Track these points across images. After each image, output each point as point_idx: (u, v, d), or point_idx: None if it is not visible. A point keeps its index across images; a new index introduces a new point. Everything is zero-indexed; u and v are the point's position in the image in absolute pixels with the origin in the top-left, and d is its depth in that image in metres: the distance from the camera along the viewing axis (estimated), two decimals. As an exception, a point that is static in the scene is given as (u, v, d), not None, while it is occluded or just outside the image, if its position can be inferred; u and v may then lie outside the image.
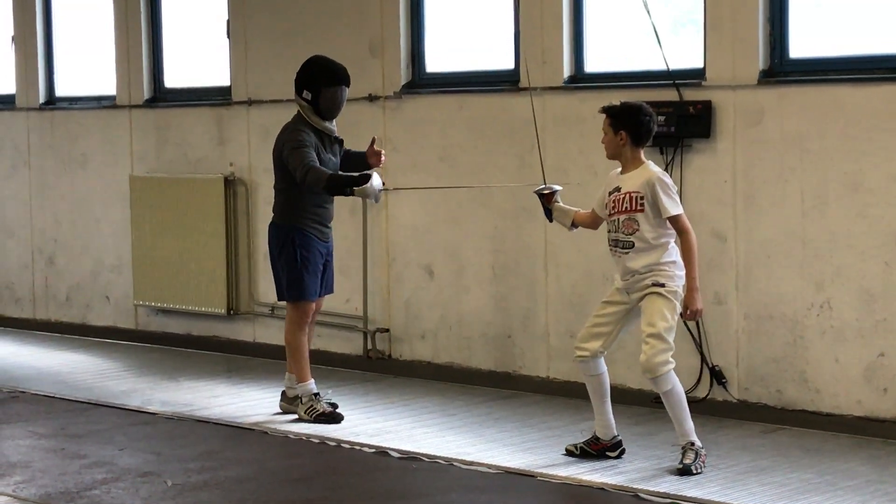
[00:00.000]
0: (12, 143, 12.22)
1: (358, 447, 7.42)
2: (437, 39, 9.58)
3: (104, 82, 11.52)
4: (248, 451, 7.45)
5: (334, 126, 8.08)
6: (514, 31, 9.00)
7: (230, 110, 10.59)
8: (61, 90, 12.00)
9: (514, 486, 6.64)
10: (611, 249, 6.92)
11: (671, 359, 6.73)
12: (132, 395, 8.91)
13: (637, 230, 6.78)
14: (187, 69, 11.12)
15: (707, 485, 6.51)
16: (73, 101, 11.85)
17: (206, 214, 10.59)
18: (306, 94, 7.98)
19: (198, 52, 11.07)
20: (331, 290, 8.24)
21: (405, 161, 9.55)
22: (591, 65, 8.78)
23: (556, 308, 8.85)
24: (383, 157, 8.29)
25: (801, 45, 7.91)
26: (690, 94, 8.15)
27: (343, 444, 7.49)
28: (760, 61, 7.94)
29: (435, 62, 9.59)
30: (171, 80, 11.17)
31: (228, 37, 10.59)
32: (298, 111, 8.04)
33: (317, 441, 7.58)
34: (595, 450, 7.04)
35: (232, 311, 10.56)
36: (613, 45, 8.78)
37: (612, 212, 6.88)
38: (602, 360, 6.98)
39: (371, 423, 7.97)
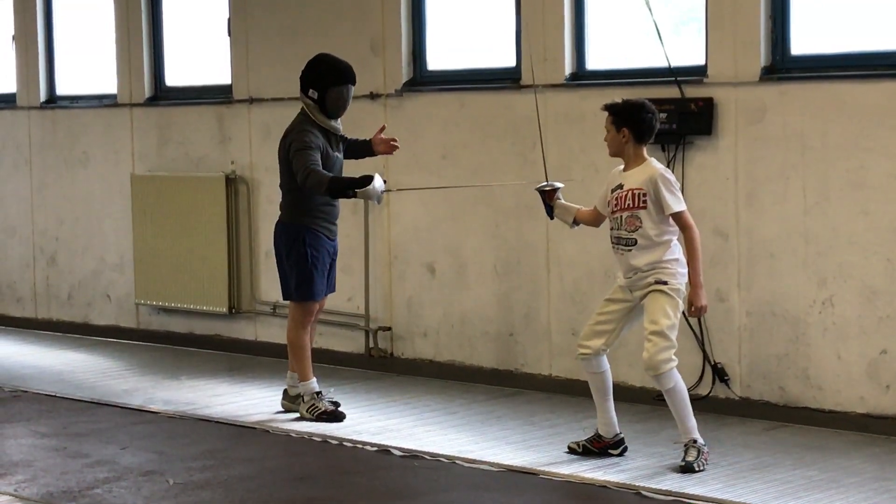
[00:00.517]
0: (13, 142, 12.22)
1: (360, 445, 7.42)
2: (439, 37, 9.58)
3: (105, 81, 11.51)
4: (250, 450, 7.44)
5: (340, 124, 8.06)
6: (516, 29, 9.00)
7: (231, 109, 10.59)
8: (62, 89, 12.00)
9: (516, 484, 6.64)
10: (613, 247, 6.92)
11: (674, 356, 6.72)
12: (134, 394, 8.90)
13: (640, 227, 6.78)
14: (188, 67, 11.12)
15: (709, 482, 6.50)
16: (75, 100, 11.85)
17: (207, 213, 10.59)
18: (312, 93, 7.94)
19: (199, 50, 11.07)
20: (333, 289, 8.23)
21: (407, 159, 9.54)
22: (593, 62, 8.77)
23: (557, 306, 8.84)
24: (395, 145, 8.22)
25: (802, 42, 7.91)
26: (692, 91, 8.14)
27: (345, 443, 7.48)
28: (762, 58, 7.93)
29: (436, 60, 9.58)
30: (173, 78, 11.17)
31: (229, 35, 10.59)
32: (303, 109, 8.00)
33: (319, 440, 7.57)
34: (597, 447, 7.04)
35: (233, 310, 10.56)
36: (615, 43, 8.77)
37: (615, 209, 6.87)
38: (604, 358, 6.98)
39: (373, 421, 7.97)
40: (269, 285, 10.33)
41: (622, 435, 7.07)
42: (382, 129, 8.27)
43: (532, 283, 8.97)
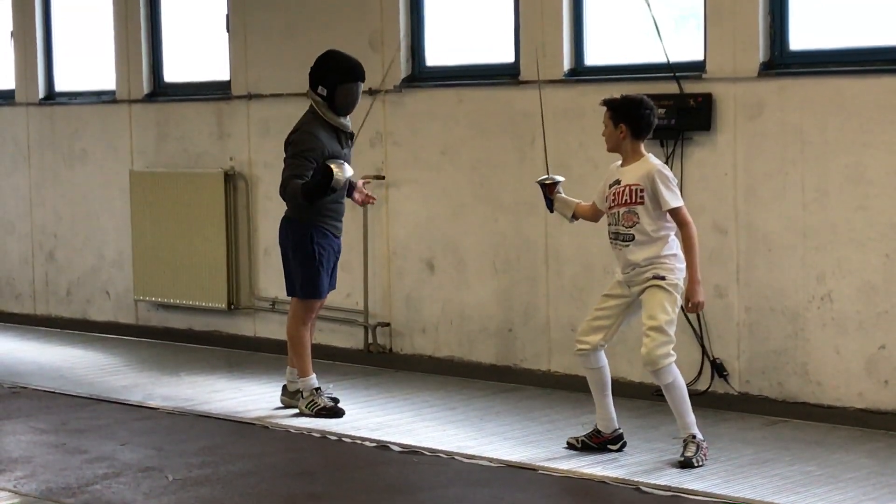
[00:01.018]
0: (12, 139, 12.21)
1: (359, 441, 7.42)
2: (437, 33, 9.57)
3: (104, 77, 11.51)
4: (250, 446, 7.44)
5: (349, 121, 8.04)
6: (514, 25, 9.00)
7: (230, 105, 10.58)
8: (61, 85, 11.99)
9: (515, 480, 6.64)
10: (611, 242, 6.92)
11: (672, 351, 6.73)
12: (133, 390, 8.91)
13: (637, 223, 6.78)
14: (187, 64, 11.12)
15: (708, 477, 6.51)
16: (73, 96, 11.84)
17: (206, 209, 10.58)
18: (321, 90, 7.91)
19: (197, 46, 11.07)
20: (334, 286, 8.23)
21: (405, 155, 9.55)
22: (592, 58, 8.77)
23: (556, 301, 8.85)
24: (371, 202, 8.36)
25: (801, 38, 7.90)
26: (691, 87, 8.14)
27: (344, 439, 7.48)
28: (761, 53, 7.93)
29: (435, 56, 9.58)
30: (171, 74, 11.17)
31: (228, 31, 10.58)
32: (312, 106, 7.97)
33: (318, 435, 7.58)
34: (596, 443, 7.04)
35: (232, 306, 10.56)
36: (614, 38, 8.77)
37: (613, 204, 6.87)
38: (602, 354, 6.98)
39: (372, 417, 7.97)
40: (268, 281, 10.34)
41: (621, 430, 7.08)
42: (366, 183, 8.34)
43: (531, 278, 8.97)
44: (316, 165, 7.78)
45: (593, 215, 7.18)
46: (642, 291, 6.80)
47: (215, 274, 10.55)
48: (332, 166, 7.68)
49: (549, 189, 7.24)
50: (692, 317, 8.05)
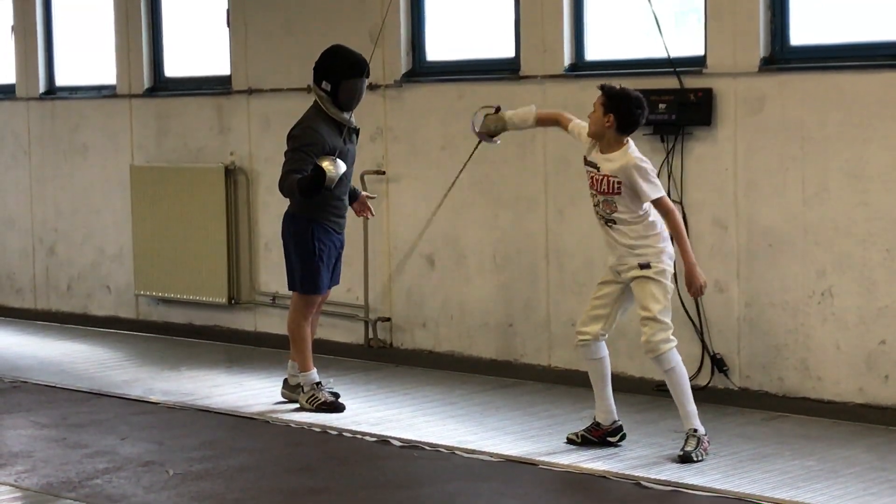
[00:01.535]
0: (12, 133, 12.21)
1: (360, 436, 7.42)
2: (438, 28, 9.57)
3: (104, 72, 11.51)
4: (250, 441, 7.45)
5: (353, 117, 8.03)
6: (515, 19, 8.99)
7: (230, 99, 10.58)
8: (61, 80, 11.99)
9: (515, 474, 6.64)
10: (598, 220, 6.93)
11: (672, 337, 6.73)
12: (133, 384, 8.91)
13: (615, 211, 6.79)
14: (187, 58, 11.11)
15: (708, 472, 6.51)
16: (74, 91, 11.84)
17: (206, 204, 10.58)
18: (325, 85, 7.90)
19: (198, 41, 11.06)
20: (337, 282, 8.22)
21: (406, 150, 9.55)
22: (592, 53, 8.76)
23: (557, 296, 8.85)
24: (369, 214, 8.35)
25: (802, 33, 7.90)
26: (691, 82, 8.14)
27: (345, 433, 7.49)
28: (761, 49, 7.93)
29: (435, 51, 9.58)
30: (172, 69, 11.16)
31: (228, 26, 10.58)
32: (316, 101, 7.96)
33: (318, 430, 7.58)
34: (596, 436, 7.04)
35: (233, 301, 10.57)
36: (614, 33, 8.77)
37: (591, 188, 6.88)
38: (603, 344, 6.98)
39: (372, 411, 7.98)
40: (269, 276, 10.34)
41: (620, 422, 7.07)
42: (372, 198, 8.38)
43: (531, 273, 8.97)
44: (315, 160, 7.78)
45: (556, 123, 7.18)
46: (631, 280, 6.81)
47: (216, 269, 10.56)
48: (325, 164, 7.67)
49: (493, 125, 7.19)
50: (692, 312, 8.06)
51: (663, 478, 6.42)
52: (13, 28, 12.16)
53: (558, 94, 8.70)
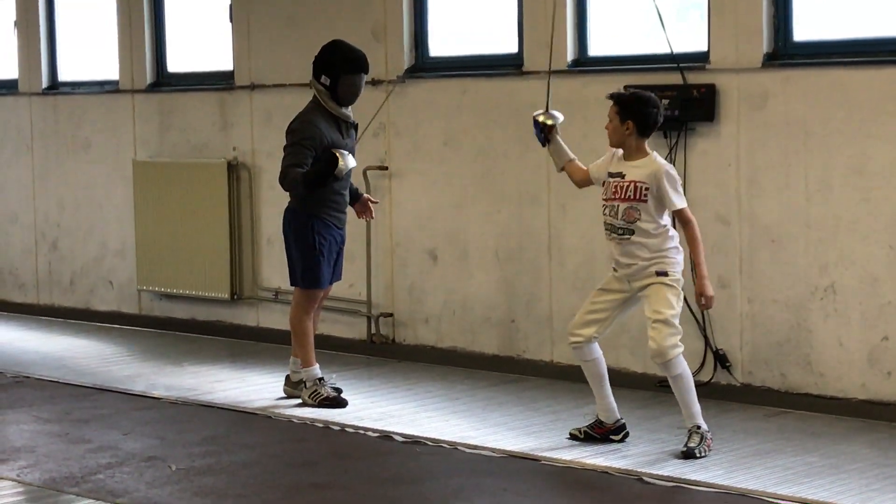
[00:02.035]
0: (15, 128, 12.22)
1: (362, 431, 7.42)
2: (441, 23, 9.57)
3: (107, 67, 11.51)
4: (252, 436, 7.45)
5: (350, 111, 8.04)
6: (518, 15, 8.99)
7: (233, 95, 10.58)
8: (64, 75, 11.99)
9: (517, 470, 6.64)
10: (607, 234, 6.88)
11: (679, 343, 6.72)
12: (136, 379, 8.91)
13: (638, 219, 6.74)
14: (190, 53, 11.12)
15: (711, 468, 6.51)
16: (76, 86, 11.84)
17: (209, 199, 10.59)
18: (325, 80, 7.90)
19: (200, 36, 11.06)
20: (339, 277, 8.22)
21: (409, 146, 9.55)
22: (595, 48, 8.76)
23: (559, 292, 8.85)
24: (370, 216, 8.33)
25: (805, 29, 7.90)
26: (694, 78, 8.14)
27: (347, 429, 7.49)
28: (764, 44, 7.93)
29: (438, 46, 9.57)
30: (174, 64, 11.17)
31: (231, 21, 10.58)
32: (315, 96, 7.97)
33: (321, 425, 7.58)
34: (599, 433, 7.04)
35: (235, 296, 10.57)
36: (617, 29, 8.76)
37: (613, 197, 6.82)
38: (596, 345, 6.95)
39: (375, 407, 7.98)
40: (271, 271, 10.34)
41: (623, 420, 7.07)
42: (375, 202, 8.35)
43: (534, 269, 8.97)
44: (315, 154, 7.77)
45: (581, 180, 7.12)
46: (644, 287, 6.79)
47: (218, 264, 10.56)
48: (339, 154, 7.69)
49: (548, 129, 7.16)
50: (695, 308, 8.05)
51: (666, 474, 6.42)
52: (16, 23, 12.16)
53: (561, 89, 8.69)
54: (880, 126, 7.53)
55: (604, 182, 6.89)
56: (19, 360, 9.66)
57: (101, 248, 11.59)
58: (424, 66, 9.56)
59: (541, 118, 7.14)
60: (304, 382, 8.08)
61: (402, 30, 9.52)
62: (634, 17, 8.59)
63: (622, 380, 7.91)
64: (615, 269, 6.87)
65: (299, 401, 8.09)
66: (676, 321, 6.72)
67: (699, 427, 6.75)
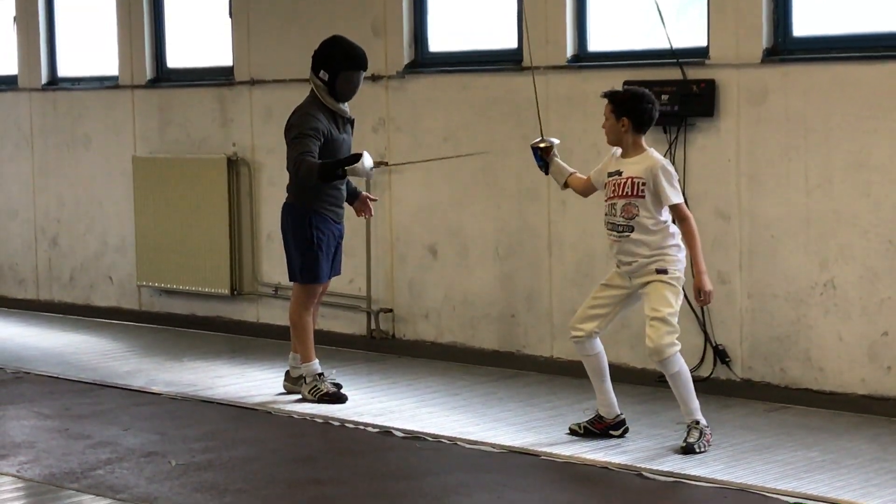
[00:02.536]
0: (15, 124, 12.21)
1: (362, 427, 7.42)
2: (440, 19, 9.56)
3: (106, 63, 11.50)
4: (252, 432, 7.45)
5: (347, 107, 8.03)
6: (518, 10, 8.98)
7: (233, 90, 10.58)
8: (63, 71, 11.99)
9: (517, 465, 6.65)
10: (608, 233, 6.89)
11: (676, 341, 6.72)
12: (136, 375, 8.91)
13: (636, 215, 6.75)
14: (190, 49, 11.11)
15: (711, 463, 6.51)
16: (76, 82, 11.84)
17: (209, 195, 10.59)
18: (323, 75, 7.89)
19: (200, 32, 11.05)
20: (338, 272, 8.23)
21: (408, 142, 9.54)
22: (595, 44, 8.76)
23: (559, 287, 8.85)
24: (369, 213, 8.31)
25: (805, 24, 7.90)
26: (694, 73, 8.13)
27: (347, 424, 7.49)
28: (764, 40, 7.92)
29: (438, 42, 9.57)
30: (174, 60, 11.16)
31: (231, 16, 10.58)
32: (313, 90, 7.97)
33: (321, 421, 7.58)
34: (599, 428, 7.05)
35: (235, 292, 10.57)
36: (617, 24, 8.76)
37: (612, 195, 6.84)
38: (598, 340, 6.96)
39: (375, 402, 7.98)
40: (271, 267, 10.34)
41: (623, 416, 7.08)
42: (374, 200, 8.34)
43: (533, 264, 8.98)
44: (320, 144, 7.79)
45: (585, 189, 7.15)
46: (644, 284, 6.79)
47: (218, 260, 10.56)
48: (365, 153, 7.70)
49: (544, 152, 7.20)
50: (695, 303, 8.04)
51: (665, 469, 6.43)
52: (15, 19, 12.16)
53: (561, 84, 8.69)
54: (880, 121, 7.53)
55: (605, 184, 6.91)
56: (19, 356, 9.67)
57: (100, 243, 11.59)
58: (424, 62, 9.55)
59: (541, 144, 7.17)
60: (304, 378, 8.08)
61: (401, 25, 9.51)
62: (634, 13, 8.59)
63: (622, 375, 7.91)
64: (618, 266, 6.88)
65: (299, 396, 8.09)
66: (674, 319, 6.72)
67: (698, 422, 6.76)
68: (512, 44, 9.07)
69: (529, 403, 7.89)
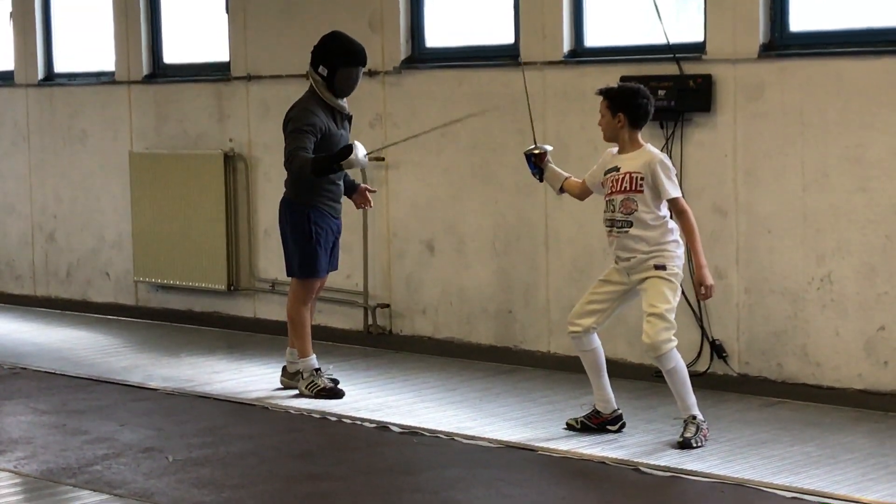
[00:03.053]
0: (11, 120, 12.21)
1: (359, 422, 7.43)
2: (437, 14, 9.56)
3: (103, 58, 11.50)
4: (249, 427, 7.45)
5: (346, 103, 8.03)
6: (514, 5, 8.98)
7: (229, 86, 10.57)
8: (60, 66, 11.98)
9: (514, 460, 6.65)
10: (607, 230, 6.89)
11: (673, 337, 6.72)
12: (133, 371, 8.91)
13: (635, 210, 6.75)
14: (186, 45, 11.10)
15: (707, 458, 6.52)
16: (72, 77, 11.83)
17: (205, 190, 10.58)
18: (322, 70, 7.89)
19: (197, 27, 11.05)
20: (336, 267, 8.23)
21: (405, 136, 9.53)
22: (592, 39, 8.75)
23: (556, 283, 8.85)
24: (368, 205, 8.30)
25: (801, 19, 7.90)
26: (691, 68, 8.13)
27: (344, 420, 7.49)
28: (761, 35, 7.92)
29: (434, 37, 9.56)
30: (171, 55, 11.15)
31: (227, 12, 10.57)
32: (311, 86, 7.96)
33: (318, 416, 7.58)
34: (595, 423, 7.05)
35: (232, 287, 10.57)
36: (614, 19, 8.75)
37: (611, 191, 6.84)
38: (595, 336, 6.96)
39: (372, 398, 7.98)
40: (268, 262, 10.34)
41: (620, 411, 7.08)
42: (373, 191, 8.34)
43: (531, 260, 8.98)
44: (317, 140, 7.79)
45: (581, 193, 7.16)
46: (642, 280, 6.80)
47: (215, 255, 10.56)
48: (356, 144, 7.69)
49: (538, 158, 7.20)
50: (692, 298, 8.05)
51: (662, 464, 6.43)
52: (12, 14, 12.14)
53: (557, 80, 8.69)
54: (877, 116, 7.53)
55: (603, 182, 6.90)
56: (16, 352, 9.66)
57: (97, 239, 11.59)
58: (421, 57, 9.55)
59: (534, 151, 7.17)
60: (301, 373, 8.08)
61: (398, 20, 9.51)
62: (631, 8, 8.58)
63: (619, 370, 7.91)
64: (616, 262, 6.88)
65: (296, 391, 8.10)
66: (671, 316, 6.72)
67: (695, 417, 6.76)
68: (509, 39, 9.07)
69: (526, 398, 7.90)
